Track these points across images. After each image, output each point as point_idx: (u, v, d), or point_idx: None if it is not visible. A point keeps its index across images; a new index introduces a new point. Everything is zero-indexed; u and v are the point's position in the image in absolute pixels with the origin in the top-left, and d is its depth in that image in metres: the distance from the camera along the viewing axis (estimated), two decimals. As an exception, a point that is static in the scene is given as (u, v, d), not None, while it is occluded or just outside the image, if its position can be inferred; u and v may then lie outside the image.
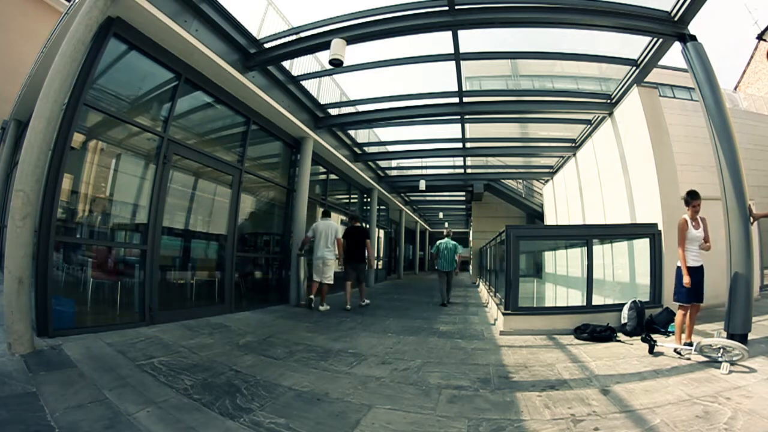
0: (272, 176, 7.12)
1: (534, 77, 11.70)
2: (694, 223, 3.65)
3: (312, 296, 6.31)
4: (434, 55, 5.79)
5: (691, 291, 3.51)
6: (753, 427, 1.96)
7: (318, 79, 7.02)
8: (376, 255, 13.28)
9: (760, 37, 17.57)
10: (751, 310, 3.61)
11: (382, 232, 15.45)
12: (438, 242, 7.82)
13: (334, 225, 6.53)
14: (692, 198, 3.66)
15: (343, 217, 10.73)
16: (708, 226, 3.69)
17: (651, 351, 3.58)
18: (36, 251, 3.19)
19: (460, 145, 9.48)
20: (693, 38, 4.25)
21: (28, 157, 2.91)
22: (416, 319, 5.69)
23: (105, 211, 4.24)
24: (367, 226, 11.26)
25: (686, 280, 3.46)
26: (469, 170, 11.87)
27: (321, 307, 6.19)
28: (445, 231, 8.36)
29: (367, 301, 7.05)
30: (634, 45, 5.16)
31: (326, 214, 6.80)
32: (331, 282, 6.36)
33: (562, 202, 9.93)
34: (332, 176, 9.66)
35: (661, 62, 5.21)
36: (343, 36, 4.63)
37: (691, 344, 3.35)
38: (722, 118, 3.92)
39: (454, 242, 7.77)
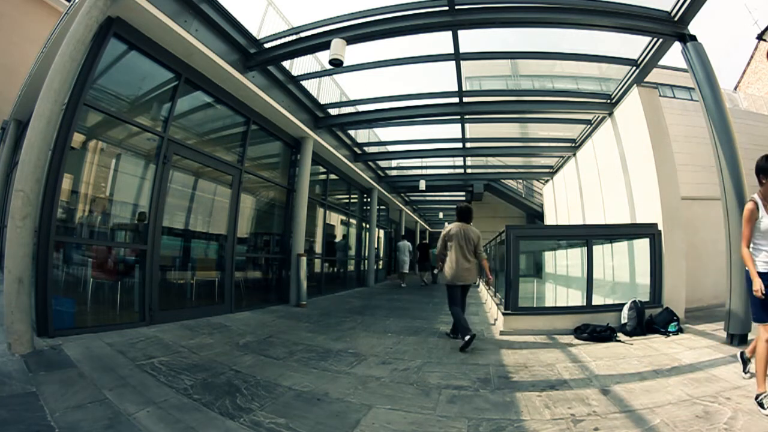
0: (272, 176, 7.12)
1: (534, 77, 11.71)
2: None
3: (400, 279, 12.11)
4: (434, 55, 5.79)
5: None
6: (753, 427, 1.95)
7: (318, 79, 7.02)
8: (376, 255, 14.02)
9: (760, 37, 17.56)
10: (751, 310, 3.60)
11: (382, 232, 15.45)
12: (431, 250, 13.13)
13: (407, 243, 12.26)
14: None
15: (343, 217, 11.21)
16: None
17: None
18: (36, 251, 3.19)
19: (460, 145, 9.48)
20: (693, 38, 4.25)
21: (28, 157, 2.91)
22: (416, 319, 5.69)
23: (105, 211, 4.24)
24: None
25: (757, 285, 2.29)
26: (469, 170, 11.88)
27: (403, 285, 11.64)
28: (435, 244, 14.14)
29: (424, 282, 12.46)
30: (634, 45, 5.16)
31: (402, 238, 13.19)
32: (406, 271, 12.11)
33: (562, 202, 9.93)
34: (332, 176, 9.66)
35: (661, 62, 5.22)
36: (343, 36, 4.63)
37: None
38: (722, 118, 3.92)
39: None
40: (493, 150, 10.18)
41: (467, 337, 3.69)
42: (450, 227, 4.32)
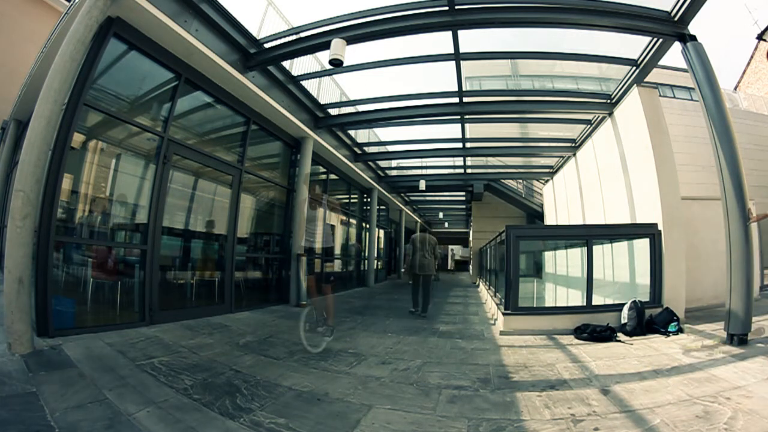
0: (272, 176, 7.12)
1: (534, 77, 11.72)
2: None
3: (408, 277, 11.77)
4: (434, 55, 5.78)
5: None
6: (753, 427, 1.95)
7: (318, 79, 7.01)
8: (377, 255, 14.07)
9: (760, 37, 17.56)
10: (751, 310, 3.60)
11: (382, 232, 15.46)
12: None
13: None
14: None
15: (343, 217, 11.17)
16: None
17: None
18: (36, 251, 3.19)
19: (460, 145, 9.47)
20: (693, 38, 4.24)
21: (28, 157, 2.91)
22: (416, 318, 5.70)
23: (105, 211, 4.24)
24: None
25: None
26: (469, 170, 11.87)
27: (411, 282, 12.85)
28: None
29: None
30: (634, 45, 5.15)
31: (408, 241, 14.71)
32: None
33: (562, 202, 9.93)
34: (332, 176, 9.66)
35: (661, 62, 5.21)
36: (343, 36, 4.62)
37: None
38: (722, 118, 3.92)
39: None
40: (493, 150, 10.17)
41: (415, 309, 6.12)
42: (415, 235, 6.40)
